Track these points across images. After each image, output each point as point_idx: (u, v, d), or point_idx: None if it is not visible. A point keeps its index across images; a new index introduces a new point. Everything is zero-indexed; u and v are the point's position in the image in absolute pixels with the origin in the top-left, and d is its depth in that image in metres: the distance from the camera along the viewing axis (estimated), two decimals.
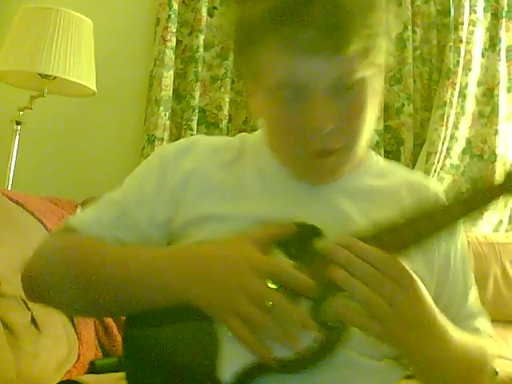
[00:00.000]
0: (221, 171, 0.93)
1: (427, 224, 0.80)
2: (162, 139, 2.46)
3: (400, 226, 0.80)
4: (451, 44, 2.63)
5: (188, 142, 0.99)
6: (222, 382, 0.78)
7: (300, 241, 0.84)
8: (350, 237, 0.79)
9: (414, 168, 2.63)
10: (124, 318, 0.89)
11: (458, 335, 0.86)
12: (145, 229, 0.92)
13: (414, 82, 2.67)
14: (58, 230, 0.98)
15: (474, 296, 0.98)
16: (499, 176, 0.81)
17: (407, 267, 0.78)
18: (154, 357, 0.84)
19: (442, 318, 0.83)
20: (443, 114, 2.59)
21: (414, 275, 0.78)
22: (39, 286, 0.93)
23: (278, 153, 0.92)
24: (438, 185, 1.01)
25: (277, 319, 0.76)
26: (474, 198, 0.80)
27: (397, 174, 1.00)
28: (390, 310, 0.75)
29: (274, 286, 0.78)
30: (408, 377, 1.09)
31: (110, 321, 1.75)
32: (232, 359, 0.79)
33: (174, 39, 2.51)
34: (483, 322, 0.99)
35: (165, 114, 2.47)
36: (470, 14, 2.66)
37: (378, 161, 1.01)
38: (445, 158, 2.61)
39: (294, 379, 0.80)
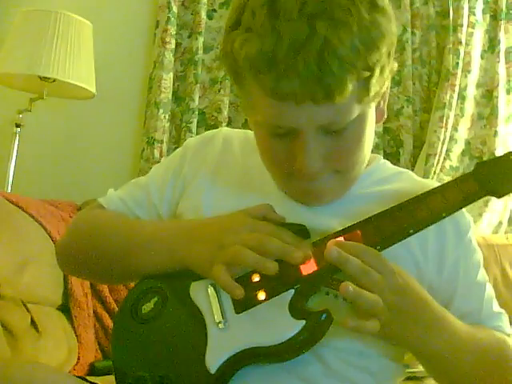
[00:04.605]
0: (231, 165, 0.99)
1: (407, 217, 0.83)
2: (162, 141, 2.46)
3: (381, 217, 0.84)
4: (450, 46, 2.63)
5: (210, 134, 1.06)
6: (210, 371, 0.81)
7: None
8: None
9: (413, 170, 2.64)
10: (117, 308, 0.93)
11: (465, 328, 0.86)
12: (161, 211, 1.02)
13: (414, 83, 2.67)
14: (89, 207, 1.10)
15: (490, 298, 0.95)
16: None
17: (385, 257, 0.79)
18: (143, 349, 0.87)
19: (438, 308, 0.84)
20: (442, 116, 2.59)
21: (392, 265, 0.80)
22: (71, 256, 1.05)
23: (271, 174, 0.92)
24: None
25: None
26: (451, 188, 0.84)
27: (405, 179, 0.98)
28: (377, 300, 0.76)
29: None
30: (408, 378, 1.09)
31: (109, 323, 1.75)
32: (220, 351, 0.82)
33: (174, 41, 2.51)
34: (504, 321, 0.96)
35: (164, 117, 2.47)
36: (469, 15, 2.66)
37: (385, 165, 1.00)
38: (444, 159, 2.61)
39: (278, 371, 0.83)
